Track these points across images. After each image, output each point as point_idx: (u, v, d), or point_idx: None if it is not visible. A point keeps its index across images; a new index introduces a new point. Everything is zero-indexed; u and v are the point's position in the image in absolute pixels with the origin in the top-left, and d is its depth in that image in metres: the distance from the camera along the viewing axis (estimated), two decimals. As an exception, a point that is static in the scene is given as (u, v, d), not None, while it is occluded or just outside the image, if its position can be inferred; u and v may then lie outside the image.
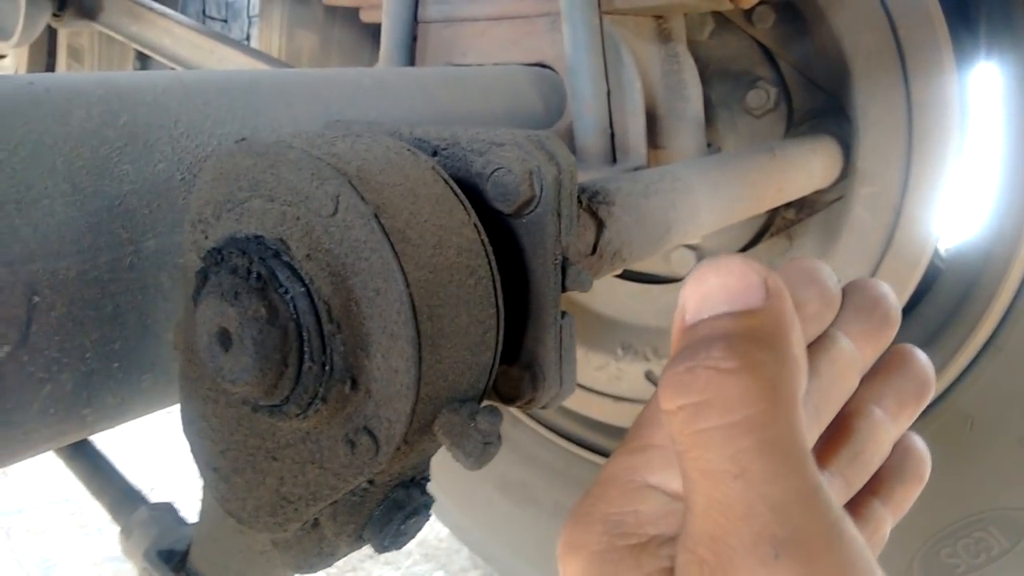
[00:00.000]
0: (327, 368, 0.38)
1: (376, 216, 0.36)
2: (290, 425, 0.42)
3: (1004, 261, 1.07)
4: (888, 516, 0.43)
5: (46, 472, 2.23)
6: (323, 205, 0.37)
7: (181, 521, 0.65)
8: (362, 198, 0.36)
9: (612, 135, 0.92)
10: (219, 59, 1.49)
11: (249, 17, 2.67)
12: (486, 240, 0.42)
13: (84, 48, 2.20)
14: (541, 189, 0.46)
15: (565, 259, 0.49)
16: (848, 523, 0.29)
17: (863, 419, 0.41)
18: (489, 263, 0.41)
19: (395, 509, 0.43)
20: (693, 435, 0.29)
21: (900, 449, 0.43)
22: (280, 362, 0.38)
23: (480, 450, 0.39)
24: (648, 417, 0.38)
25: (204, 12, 2.58)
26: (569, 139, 0.92)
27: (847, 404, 0.41)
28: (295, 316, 0.38)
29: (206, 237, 0.43)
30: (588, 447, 1.51)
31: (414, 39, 1.04)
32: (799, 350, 0.31)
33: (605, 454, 1.49)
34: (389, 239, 0.36)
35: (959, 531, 1.13)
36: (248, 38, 2.70)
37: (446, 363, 0.39)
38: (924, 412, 1.14)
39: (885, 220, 1.09)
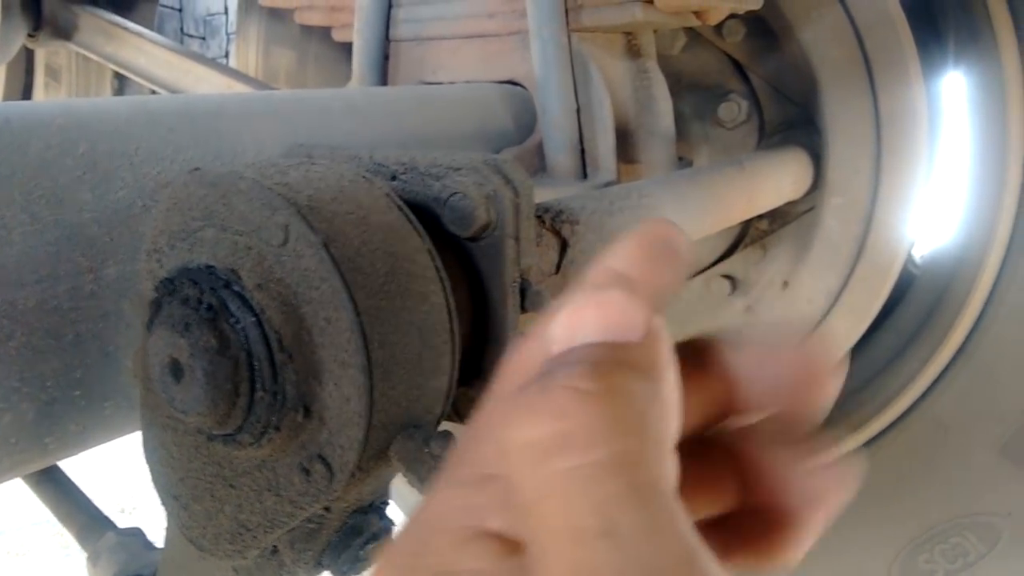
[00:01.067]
0: (279, 397, 0.38)
1: (326, 245, 0.36)
2: (245, 453, 0.42)
3: (974, 268, 1.08)
4: None
5: (28, 494, 2.21)
6: (273, 235, 0.38)
7: (149, 546, 0.65)
8: (311, 228, 0.37)
9: (582, 151, 0.93)
10: (195, 78, 1.49)
11: (227, 34, 2.67)
12: (440, 266, 0.42)
13: (62, 67, 2.19)
14: (498, 214, 0.46)
15: (525, 281, 0.49)
16: None
17: None
18: (443, 289, 0.42)
19: (353, 535, 0.43)
20: (546, 480, 0.23)
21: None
22: (231, 392, 0.38)
23: (434, 475, 0.39)
24: (486, 432, 0.28)
25: (182, 30, 2.57)
26: (540, 156, 0.93)
27: None
28: (246, 346, 0.38)
29: (160, 266, 0.43)
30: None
31: (386, 58, 1.04)
32: (675, 395, 0.26)
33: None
34: (339, 268, 0.36)
35: (936, 537, 1.13)
36: (227, 55, 2.70)
37: (399, 389, 0.39)
38: (899, 420, 1.14)
39: (856, 230, 1.10)
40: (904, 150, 1.06)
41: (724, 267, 1.29)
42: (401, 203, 0.42)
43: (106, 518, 0.69)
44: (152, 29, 1.72)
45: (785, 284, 1.19)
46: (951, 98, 1.24)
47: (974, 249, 1.09)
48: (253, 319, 0.38)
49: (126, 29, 1.62)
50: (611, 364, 0.25)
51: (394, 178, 0.49)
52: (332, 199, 0.39)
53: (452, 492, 0.27)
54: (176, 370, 0.39)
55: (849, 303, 1.13)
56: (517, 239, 0.46)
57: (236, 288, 0.38)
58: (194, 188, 0.41)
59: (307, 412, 0.39)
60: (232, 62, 1.85)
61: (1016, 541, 1.08)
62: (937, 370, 1.12)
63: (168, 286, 0.40)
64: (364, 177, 0.42)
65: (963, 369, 1.11)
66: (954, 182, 1.17)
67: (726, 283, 1.29)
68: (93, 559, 0.64)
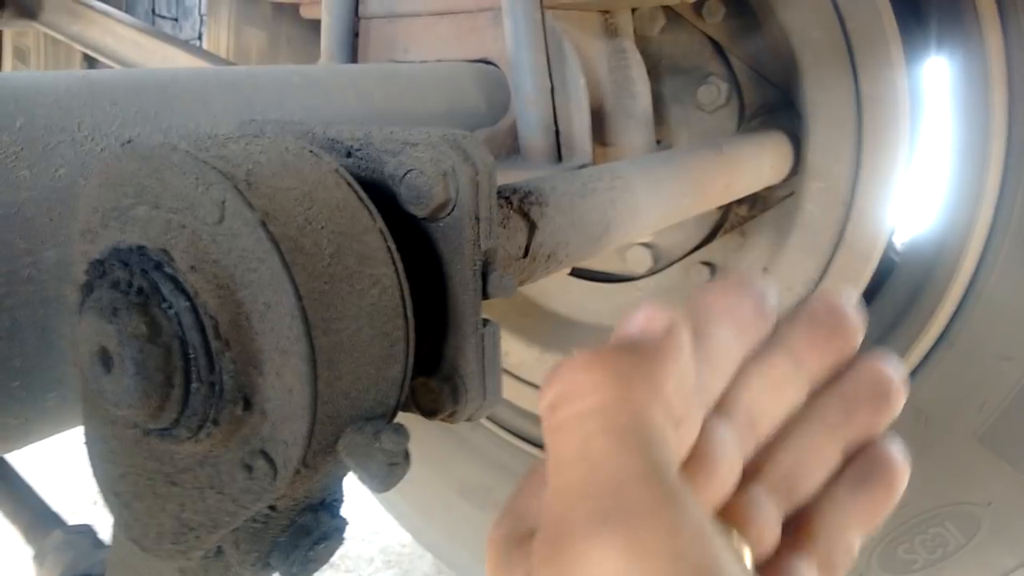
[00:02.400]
0: (216, 389, 0.35)
1: (264, 223, 0.34)
2: (184, 449, 0.39)
3: (955, 255, 1.06)
4: (849, 525, 0.40)
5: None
6: (209, 212, 0.35)
7: (99, 544, 0.62)
8: (249, 204, 0.34)
9: (557, 132, 0.90)
10: (162, 58, 1.44)
11: (200, 15, 2.61)
12: (393, 247, 0.39)
13: (30, 48, 2.14)
14: (457, 191, 0.43)
15: (487, 264, 0.47)
16: (687, 499, 0.29)
17: (798, 431, 0.40)
18: (396, 271, 0.39)
19: (302, 535, 0.40)
20: (552, 427, 0.31)
21: (864, 457, 0.41)
22: (164, 383, 0.35)
23: (385, 471, 0.36)
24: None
25: (153, 11, 2.51)
26: (513, 137, 0.90)
27: (794, 416, 0.40)
28: (179, 333, 0.35)
29: (94, 247, 0.40)
30: (548, 449, 1.49)
31: (356, 35, 1.01)
32: (675, 362, 0.33)
33: (565, 456, 1.47)
34: (279, 248, 0.33)
35: (916, 527, 1.12)
36: (200, 36, 2.64)
37: (347, 380, 0.36)
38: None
39: (836, 215, 1.08)
40: (885, 134, 1.03)
41: (704, 254, 1.27)
42: (351, 179, 0.39)
43: (55, 515, 0.66)
44: (122, 9, 1.68)
45: (765, 271, 1.17)
46: (934, 83, 1.22)
47: (955, 236, 1.08)
48: (187, 303, 0.35)
49: (92, 8, 1.57)
50: (608, 347, 0.32)
51: (349, 155, 0.46)
52: (273, 174, 0.36)
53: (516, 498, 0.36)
54: (105, 359, 0.36)
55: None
56: (478, 219, 0.44)
57: (168, 270, 0.35)
58: (126, 163, 0.38)
59: (247, 404, 0.36)
60: (206, 43, 1.81)
61: (995, 531, 1.07)
62: (918, 358, 1.11)
63: (98, 268, 0.37)
64: (311, 151, 0.39)
65: (943, 357, 1.09)
66: (936, 168, 1.15)
67: (705, 270, 1.27)
68: (39, 558, 0.61)
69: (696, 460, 0.35)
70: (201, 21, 2.61)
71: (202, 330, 0.35)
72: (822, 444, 0.40)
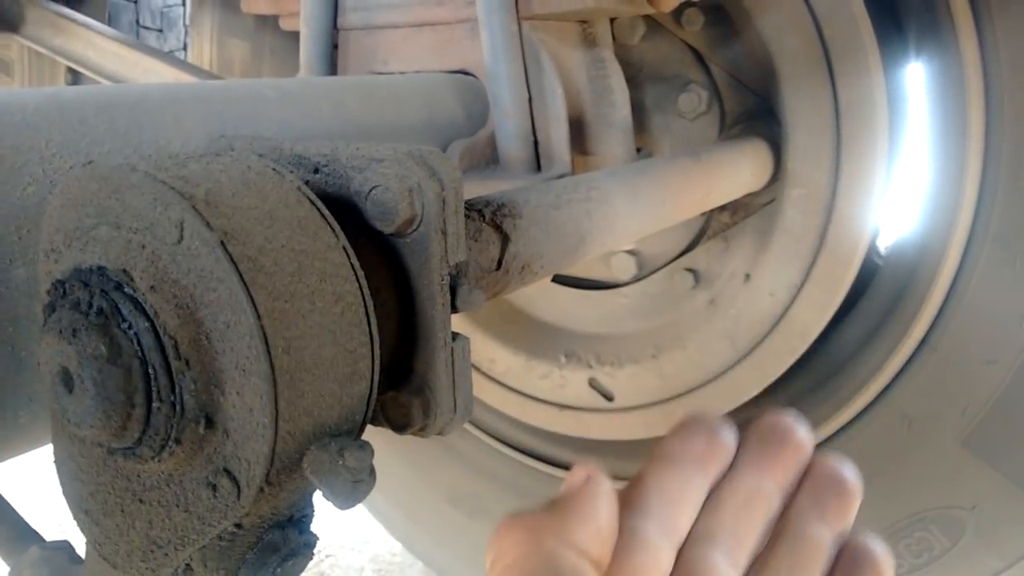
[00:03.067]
0: (177, 408, 0.35)
1: (223, 243, 0.34)
2: (148, 468, 0.39)
3: (936, 259, 1.07)
4: None
5: None
6: (168, 232, 0.35)
7: (76, 560, 0.62)
8: (207, 224, 0.34)
9: (536, 142, 0.90)
10: (144, 70, 1.44)
11: (185, 26, 2.61)
12: (356, 264, 0.39)
13: (14, 61, 2.13)
14: (423, 207, 0.43)
15: (455, 278, 0.47)
16: None
17: (787, 532, 0.43)
18: (360, 288, 0.39)
19: (270, 552, 0.40)
20: None
21: (849, 550, 0.44)
22: (125, 403, 0.35)
23: (349, 488, 0.36)
24: None
25: (138, 22, 2.51)
26: (492, 147, 0.90)
27: (776, 524, 0.44)
28: (140, 353, 0.35)
29: (57, 267, 0.40)
30: (536, 456, 1.49)
31: (335, 47, 1.01)
32: (585, 511, 0.39)
33: (553, 463, 1.47)
34: (237, 268, 0.34)
35: (900, 531, 1.12)
36: (185, 48, 2.64)
37: (309, 398, 0.36)
38: (862, 412, 1.13)
39: (817, 221, 1.08)
40: (864, 140, 1.04)
41: (688, 260, 1.27)
42: (313, 197, 0.39)
43: (32, 531, 0.65)
44: (105, 21, 1.68)
45: (747, 277, 1.18)
46: (912, 89, 1.23)
47: (936, 240, 1.08)
48: (147, 324, 0.35)
49: (74, 21, 1.57)
50: (531, 511, 0.39)
51: (316, 171, 0.46)
52: (233, 193, 0.36)
53: None
54: (67, 379, 0.36)
55: (811, 295, 1.12)
56: (444, 234, 0.44)
57: (128, 290, 0.35)
58: (87, 182, 0.38)
59: (210, 423, 0.36)
60: (189, 55, 1.81)
61: (980, 534, 1.07)
62: (900, 362, 1.11)
63: (59, 288, 0.37)
64: (273, 169, 0.39)
65: (926, 361, 1.10)
66: (916, 173, 1.16)
67: (689, 276, 1.27)
68: (15, 574, 0.61)
69: None
70: (186, 32, 2.61)
71: (162, 350, 0.35)
72: (809, 541, 0.43)
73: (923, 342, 1.10)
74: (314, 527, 0.43)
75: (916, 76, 1.19)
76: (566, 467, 1.45)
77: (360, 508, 1.73)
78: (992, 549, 1.07)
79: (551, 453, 1.49)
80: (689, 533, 0.42)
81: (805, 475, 0.46)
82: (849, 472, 0.46)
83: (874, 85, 1.02)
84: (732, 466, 0.45)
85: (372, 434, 0.56)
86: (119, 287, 0.35)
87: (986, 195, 1.03)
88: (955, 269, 1.06)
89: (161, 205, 0.35)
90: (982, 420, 1.06)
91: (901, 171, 1.22)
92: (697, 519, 0.43)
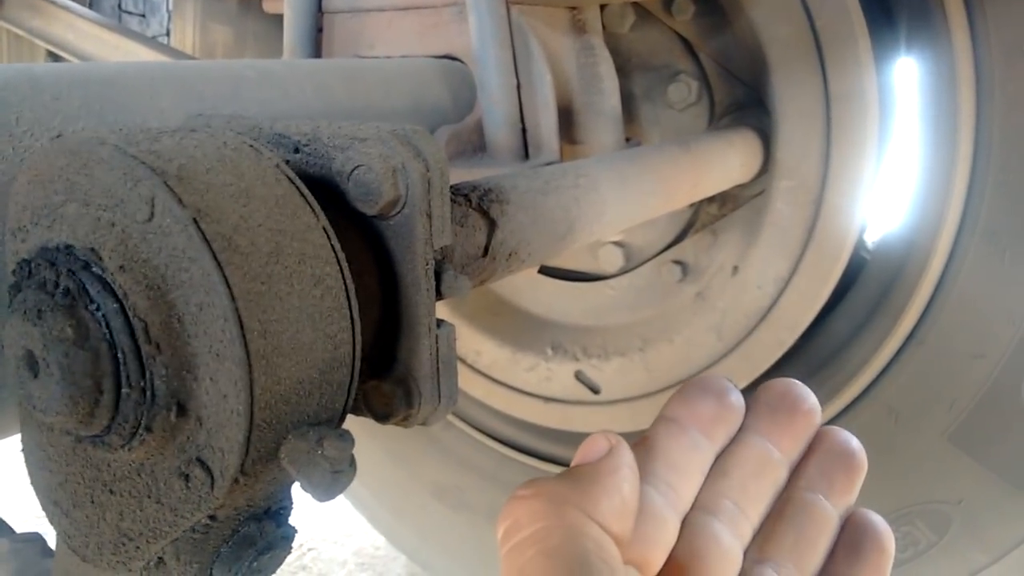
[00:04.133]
0: (148, 394, 0.34)
1: (196, 221, 0.32)
2: (118, 457, 0.37)
3: (924, 254, 1.06)
4: None
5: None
6: (138, 209, 0.33)
7: (47, 553, 0.60)
8: (179, 201, 0.32)
9: (524, 129, 0.89)
10: (125, 54, 1.42)
11: (168, 11, 2.57)
12: (337, 245, 0.37)
13: (-8, 43, 2.09)
14: (407, 188, 0.42)
15: (440, 263, 0.45)
16: None
17: (793, 504, 0.43)
18: (340, 270, 0.37)
19: (246, 545, 0.39)
20: (503, 558, 0.35)
21: (851, 526, 0.43)
22: (93, 388, 0.33)
23: (328, 480, 0.35)
24: None
25: (120, 7, 2.47)
26: (479, 134, 0.89)
27: (782, 494, 0.43)
28: (108, 336, 0.33)
29: (24, 246, 0.38)
30: (521, 449, 1.48)
31: (320, 30, 0.99)
32: (609, 482, 0.36)
33: (538, 456, 1.46)
34: (211, 247, 0.32)
35: (886, 525, 1.12)
36: (168, 33, 2.61)
37: (287, 384, 0.35)
38: (850, 406, 1.12)
39: (805, 213, 1.07)
40: (854, 132, 1.03)
41: (675, 252, 1.26)
42: (292, 175, 0.37)
43: (2, 523, 0.63)
44: (86, 5, 1.64)
45: (735, 269, 1.17)
46: (902, 83, 1.22)
47: (924, 234, 1.08)
48: (115, 305, 0.33)
49: (54, 4, 1.54)
50: (547, 479, 0.37)
51: (297, 150, 0.44)
52: (208, 169, 0.34)
53: None
54: (32, 363, 0.34)
55: (799, 288, 1.11)
56: (429, 216, 0.42)
57: (96, 270, 0.34)
58: (54, 158, 0.36)
59: (182, 410, 0.34)
60: (172, 40, 1.78)
61: (966, 529, 1.07)
62: (888, 356, 1.11)
63: (25, 268, 0.36)
64: (251, 146, 0.38)
65: (914, 355, 1.09)
66: (905, 167, 1.15)
67: (677, 269, 1.26)
68: (-17, 568, 0.59)
69: (690, 559, 0.38)
70: (169, 17, 2.58)
71: (131, 333, 0.33)
72: (815, 514, 0.43)
73: (911, 336, 1.09)
74: (294, 519, 0.42)
75: (906, 70, 1.18)
76: (552, 461, 1.44)
77: (343, 501, 1.71)
78: (978, 544, 1.06)
79: (536, 446, 1.48)
80: (695, 501, 0.41)
81: (812, 446, 0.45)
82: (857, 446, 0.45)
83: (865, 76, 1.01)
84: (740, 432, 0.44)
85: (354, 425, 0.55)
86: (87, 267, 0.34)
87: (975, 189, 1.03)
88: (943, 263, 1.05)
89: (131, 181, 0.33)
90: (969, 415, 1.05)
91: (890, 165, 1.21)
92: (703, 487, 0.42)
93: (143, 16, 2.53)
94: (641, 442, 0.42)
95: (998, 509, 1.04)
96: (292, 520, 0.43)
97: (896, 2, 1.17)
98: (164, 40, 2.48)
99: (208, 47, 1.58)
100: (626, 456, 0.38)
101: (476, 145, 0.88)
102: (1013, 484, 1.03)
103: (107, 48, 1.44)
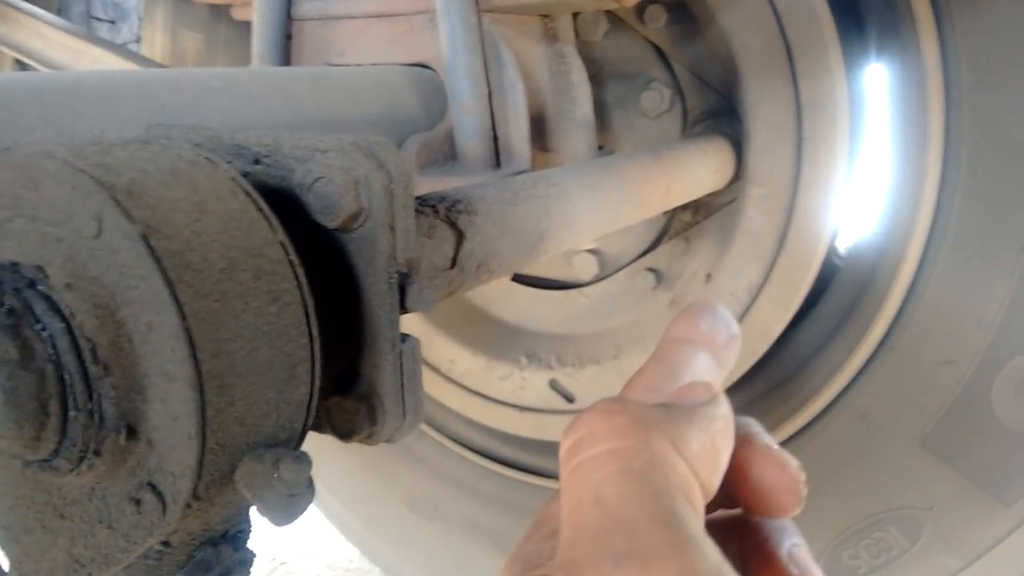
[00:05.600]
0: (96, 417, 0.32)
1: (145, 237, 0.31)
2: (69, 481, 0.36)
3: (895, 260, 1.07)
4: None
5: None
6: (85, 225, 0.32)
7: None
8: (128, 216, 0.31)
9: (495, 138, 0.88)
10: (93, 61, 1.39)
11: (139, 18, 2.54)
12: (296, 260, 0.36)
13: (-43, 50, 2.05)
14: (369, 200, 0.41)
15: (405, 276, 0.44)
16: (705, 544, 0.28)
17: None
18: (299, 286, 0.36)
19: (201, 571, 0.38)
20: (569, 469, 0.31)
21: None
22: (39, 411, 0.32)
23: (285, 503, 0.34)
24: None
25: (89, 13, 2.44)
26: (450, 143, 0.88)
27: None
28: (54, 357, 0.32)
29: (-30, 263, 0.37)
30: (496, 459, 1.47)
31: (289, 38, 0.98)
32: (708, 426, 0.33)
33: (513, 466, 1.45)
34: (160, 264, 0.31)
35: (860, 532, 1.12)
36: (139, 40, 2.57)
37: (241, 405, 0.33)
38: (822, 413, 1.12)
39: (777, 220, 1.07)
40: (825, 139, 1.04)
41: (649, 260, 1.26)
42: (249, 188, 0.36)
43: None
44: (53, 11, 1.62)
45: (708, 277, 1.17)
46: (873, 89, 1.23)
47: (895, 241, 1.08)
48: (62, 324, 0.32)
49: (19, 9, 1.51)
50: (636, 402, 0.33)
51: (257, 161, 0.43)
52: (160, 183, 0.33)
53: (550, 503, 0.37)
54: (-26, 385, 0.33)
55: (772, 295, 1.11)
56: (393, 229, 0.41)
57: (42, 288, 0.32)
58: (2, 171, 0.35)
59: (132, 433, 0.33)
60: (142, 47, 1.75)
61: (938, 534, 1.07)
62: (860, 362, 1.11)
63: (-32, 286, 0.34)
64: (207, 159, 0.36)
65: (885, 361, 1.09)
66: (877, 174, 1.16)
67: (651, 276, 1.26)
68: (-64, 592, 0.57)
69: None
70: (140, 24, 2.54)
71: (79, 353, 0.32)
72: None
73: (882, 342, 1.09)
74: (266, 532, 0.41)
75: (876, 77, 1.19)
76: (527, 470, 1.43)
77: (315, 513, 1.69)
78: (950, 549, 1.07)
79: (511, 455, 1.47)
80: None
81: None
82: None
83: (836, 84, 1.02)
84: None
85: (327, 437, 0.53)
86: (32, 284, 0.32)
87: (945, 196, 1.03)
88: (914, 270, 1.06)
89: (79, 195, 0.32)
90: (940, 420, 1.06)
91: (861, 172, 1.22)
92: None
93: (113, 23, 2.50)
94: (660, 361, 0.39)
95: (970, 514, 1.04)
96: (257, 533, 0.42)
97: (866, 10, 1.17)
98: (134, 47, 2.44)
99: (179, 54, 1.56)
100: (727, 409, 0.35)
101: (447, 154, 0.88)
102: (984, 489, 1.03)
103: (74, 55, 1.42)
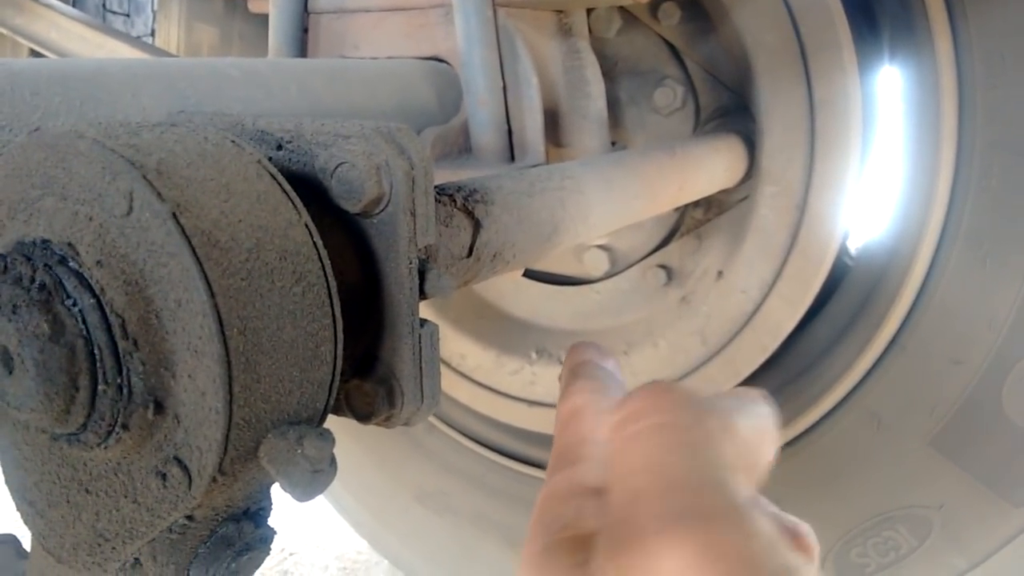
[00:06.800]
0: (124, 391, 0.33)
1: (175, 215, 0.32)
2: (94, 455, 0.37)
3: (907, 260, 1.07)
4: None
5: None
6: (116, 203, 0.33)
7: (23, 554, 0.59)
8: (159, 195, 0.32)
9: (510, 132, 0.89)
10: (108, 53, 1.41)
11: (153, 11, 2.56)
12: (319, 242, 0.37)
13: (-26, 42, 2.07)
14: (391, 186, 0.42)
15: (424, 262, 0.45)
16: (756, 513, 0.29)
17: None
18: (322, 268, 0.37)
19: (224, 546, 0.38)
20: (623, 440, 0.33)
21: None
22: (69, 385, 0.33)
23: (308, 479, 0.34)
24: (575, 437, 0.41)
25: (105, 6, 2.45)
26: (465, 136, 0.88)
27: None
28: (84, 332, 0.33)
29: (0, 241, 0.38)
30: (505, 454, 1.48)
31: (305, 31, 0.99)
32: (758, 423, 0.36)
33: (522, 460, 1.46)
34: (190, 242, 0.31)
35: (868, 530, 1.13)
36: (153, 33, 2.59)
37: (266, 382, 0.34)
38: (832, 411, 1.13)
39: (789, 219, 1.08)
40: (838, 138, 1.04)
41: (660, 257, 1.27)
42: (274, 171, 0.37)
43: (-24, 524, 0.63)
44: (70, 4, 1.63)
45: (720, 274, 1.17)
46: (886, 91, 1.23)
47: (907, 241, 1.08)
48: (92, 300, 0.33)
49: (37, 1, 1.53)
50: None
51: (280, 147, 0.44)
52: (188, 164, 0.34)
53: (562, 473, 0.38)
54: (7, 360, 0.34)
55: (783, 293, 1.11)
56: (413, 215, 0.42)
57: (73, 265, 0.33)
58: (32, 151, 0.35)
59: (159, 408, 0.34)
60: (157, 40, 1.77)
61: (947, 533, 1.07)
62: (870, 361, 1.11)
63: (0, 263, 0.35)
64: (233, 142, 0.37)
65: (896, 361, 1.10)
66: (888, 175, 1.16)
67: (662, 273, 1.26)
68: (-44, 570, 0.58)
69: None
70: (154, 17, 2.56)
71: (108, 329, 0.33)
72: None
73: (893, 342, 1.10)
74: (276, 523, 0.41)
75: (889, 78, 1.19)
76: (536, 464, 1.44)
77: (325, 504, 1.70)
78: (958, 549, 1.07)
79: (521, 450, 1.47)
80: None
81: None
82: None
83: (849, 83, 1.02)
84: None
85: (337, 428, 0.54)
86: (63, 261, 0.33)
87: (957, 197, 1.03)
88: (926, 269, 1.06)
89: (110, 174, 0.32)
90: (950, 420, 1.06)
91: (873, 172, 1.22)
92: None
93: (128, 16, 2.52)
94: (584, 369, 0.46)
95: (978, 514, 1.05)
96: (272, 522, 0.42)
97: (880, 10, 1.17)
98: (149, 40, 2.46)
99: (193, 47, 1.58)
100: (772, 410, 0.37)
101: (462, 147, 0.88)
102: (993, 489, 1.03)
103: (91, 47, 1.43)
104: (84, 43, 1.45)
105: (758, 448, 0.35)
